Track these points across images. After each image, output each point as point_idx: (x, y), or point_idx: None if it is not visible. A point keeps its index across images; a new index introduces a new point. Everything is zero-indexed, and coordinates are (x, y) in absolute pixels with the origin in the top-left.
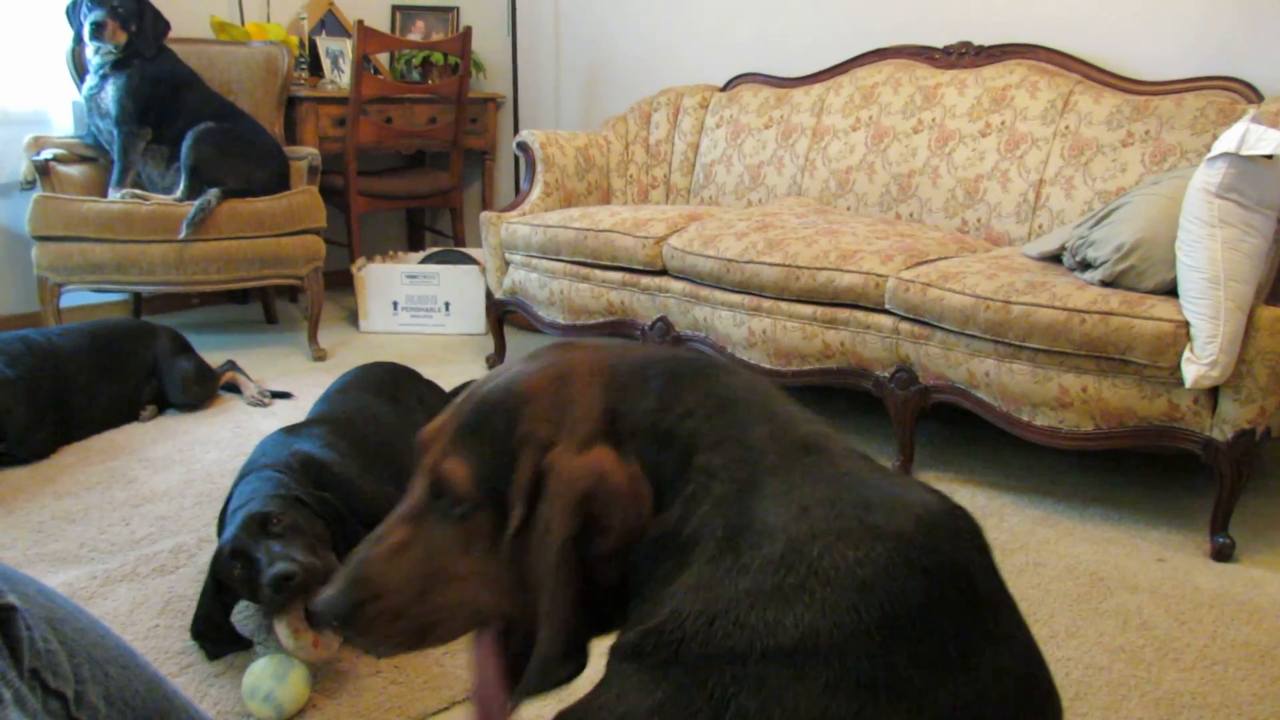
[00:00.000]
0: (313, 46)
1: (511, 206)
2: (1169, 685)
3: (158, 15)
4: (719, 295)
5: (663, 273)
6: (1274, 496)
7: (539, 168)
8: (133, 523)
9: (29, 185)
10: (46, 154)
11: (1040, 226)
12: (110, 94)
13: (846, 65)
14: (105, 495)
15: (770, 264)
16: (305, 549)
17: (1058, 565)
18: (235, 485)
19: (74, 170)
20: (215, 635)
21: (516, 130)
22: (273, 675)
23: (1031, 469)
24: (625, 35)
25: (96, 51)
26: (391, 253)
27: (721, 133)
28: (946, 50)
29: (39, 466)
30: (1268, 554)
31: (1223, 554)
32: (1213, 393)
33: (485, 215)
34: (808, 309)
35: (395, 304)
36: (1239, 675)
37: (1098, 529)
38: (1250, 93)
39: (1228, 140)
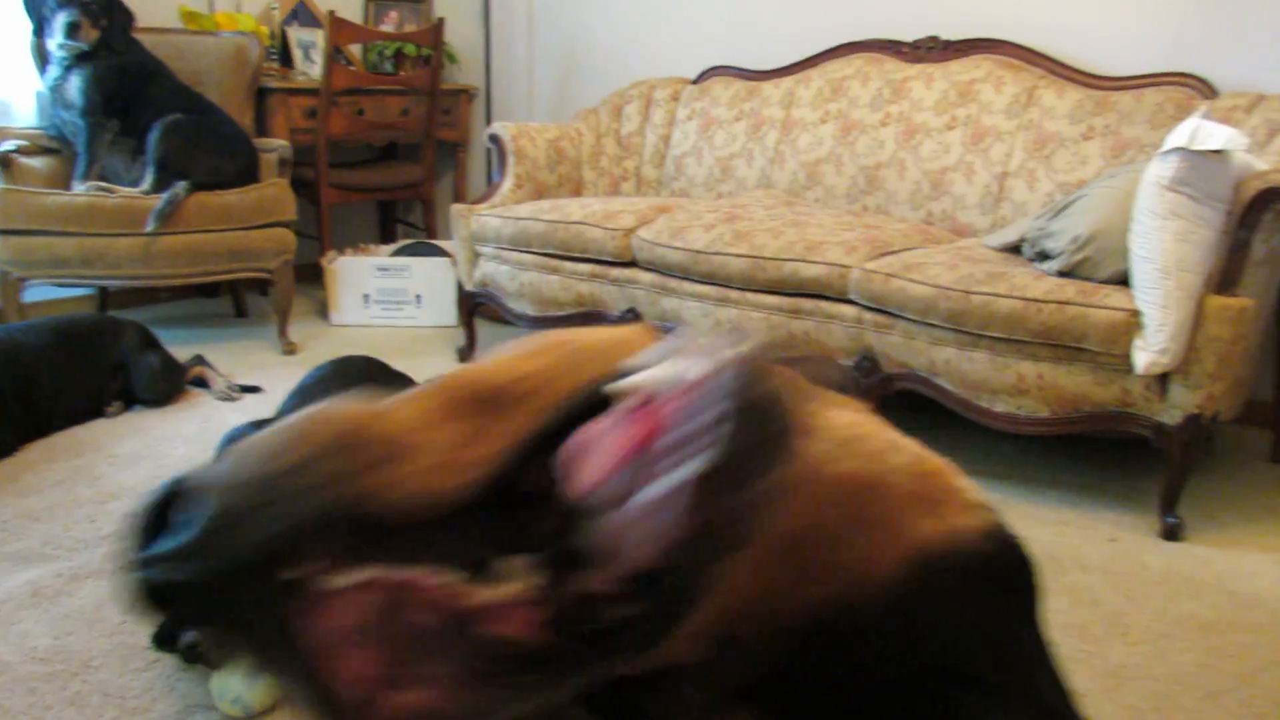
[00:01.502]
0: (284, 37)
1: (483, 199)
2: (1116, 658)
3: (124, 8)
4: (687, 286)
5: (632, 264)
6: (1221, 478)
7: (510, 160)
8: (99, 520)
9: None
10: (8, 145)
11: (1004, 218)
12: (75, 85)
13: (816, 59)
14: (70, 492)
15: (737, 255)
16: None
17: None
18: None
19: (37, 162)
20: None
21: (489, 122)
22: (241, 679)
23: (990, 454)
24: (598, 27)
25: (61, 46)
26: (362, 245)
27: (692, 125)
28: (914, 45)
29: (2, 464)
30: (1214, 533)
31: (1172, 534)
32: (1163, 379)
33: (456, 208)
34: (774, 299)
35: (366, 297)
36: (1183, 648)
37: (1053, 511)
38: (1206, 89)
39: (1179, 136)
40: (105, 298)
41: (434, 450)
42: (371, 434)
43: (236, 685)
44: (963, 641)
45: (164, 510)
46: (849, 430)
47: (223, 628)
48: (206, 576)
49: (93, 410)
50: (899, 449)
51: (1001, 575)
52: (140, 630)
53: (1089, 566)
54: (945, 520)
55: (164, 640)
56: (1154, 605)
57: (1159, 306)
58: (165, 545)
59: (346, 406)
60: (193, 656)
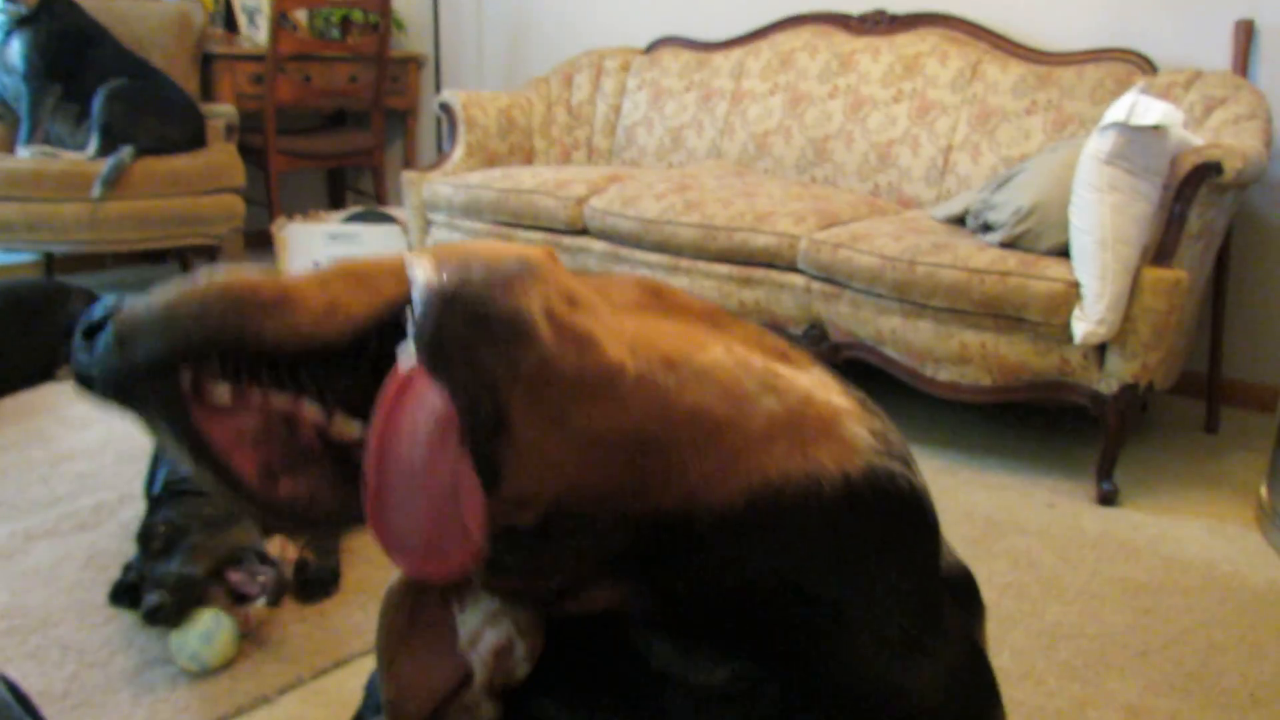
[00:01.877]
0: (228, 2)
1: (434, 166)
2: (1051, 617)
3: None
4: (639, 255)
5: (584, 233)
6: (1156, 447)
7: (461, 128)
8: (52, 481)
9: None
10: None
11: (949, 190)
12: (16, 49)
13: (766, 30)
14: (23, 454)
15: (688, 224)
16: (183, 555)
17: (956, 511)
18: (156, 451)
19: None
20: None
21: (438, 90)
22: (199, 636)
23: (935, 422)
24: None
25: (1, 10)
26: (312, 212)
27: (643, 95)
28: (862, 18)
29: None
30: (1148, 500)
31: (1107, 499)
32: (1100, 349)
33: (407, 175)
34: (724, 268)
35: (317, 264)
36: (1115, 608)
37: (994, 477)
38: (1146, 65)
39: (1117, 110)
40: (51, 263)
41: (317, 301)
42: (264, 284)
43: (194, 643)
44: (813, 572)
45: (101, 326)
46: (717, 367)
47: (138, 417)
48: (110, 374)
49: (43, 374)
50: (778, 391)
51: (872, 514)
52: (97, 588)
53: (1027, 530)
54: (809, 459)
55: (120, 597)
56: (1089, 567)
57: (1096, 278)
58: (90, 346)
59: (247, 270)
60: (154, 618)
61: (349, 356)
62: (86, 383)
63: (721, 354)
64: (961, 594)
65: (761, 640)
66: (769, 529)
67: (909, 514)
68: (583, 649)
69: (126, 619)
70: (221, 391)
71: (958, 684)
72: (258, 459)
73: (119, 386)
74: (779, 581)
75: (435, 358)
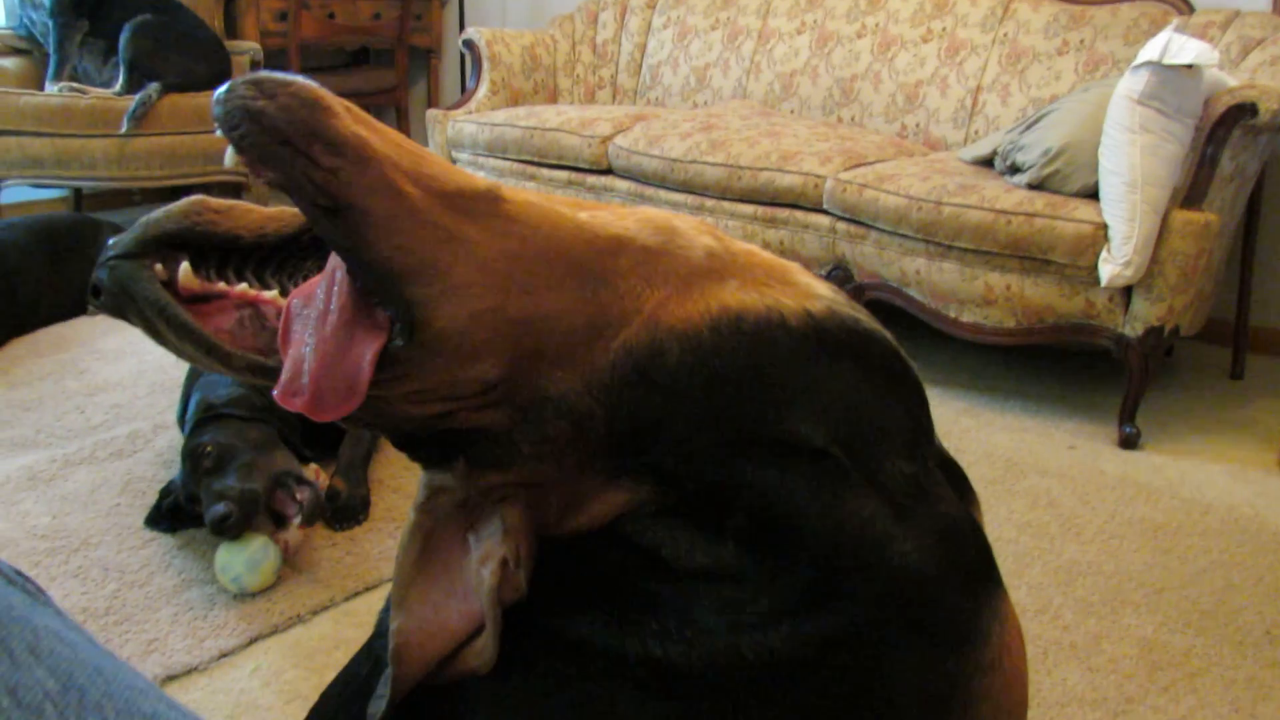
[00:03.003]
0: None
1: (458, 105)
2: (1069, 555)
3: None
4: (663, 194)
5: (608, 172)
6: (1180, 392)
7: (485, 66)
8: (87, 410)
9: None
10: None
11: (976, 132)
12: None
13: None
14: (59, 385)
15: (713, 164)
16: (240, 472)
17: (976, 451)
18: (188, 381)
19: (8, 63)
20: (167, 529)
21: (462, 27)
22: (246, 561)
23: (957, 364)
24: None
25: None
26: None
27: (668, 34)
28: None
29: None
30: (1170, 443)
31: (1129, 442)
32: (1126, 292)
33: (432, 113)
34: (749, 208)
35: None
36: (1133, 548)
37: (1015, 419)
38: (1182, 4)
39: (1151, 49)
40: (80, 200)
41: (261, 211)
42: (216, 200)
43: (239, 566)
44: (792, 414)
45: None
46: (637, 212)
47: (130, 317)
48: (106, 279)
49: (75, 307)
50: (716, 236)
51: (844, 353)
52: (134, 512)
53: (1047, 471)
54: (765, 295)
55: (158, 521)
56: (1107, 508)
57: (1125, 220)
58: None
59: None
60: (220, 528)
61: (301, 255)
62: (96, 294)
63: (646, 208)
64: (954, 478)
65: (750, 507)
66: (738, 359)
67: (885, 361)
68: (570, 550)
69: (163, 542)
70: (188, 273)
71: (951, 550)
72: (234, 347)
73: (113, 290)
74: (758, 428)
75: (245, 147)
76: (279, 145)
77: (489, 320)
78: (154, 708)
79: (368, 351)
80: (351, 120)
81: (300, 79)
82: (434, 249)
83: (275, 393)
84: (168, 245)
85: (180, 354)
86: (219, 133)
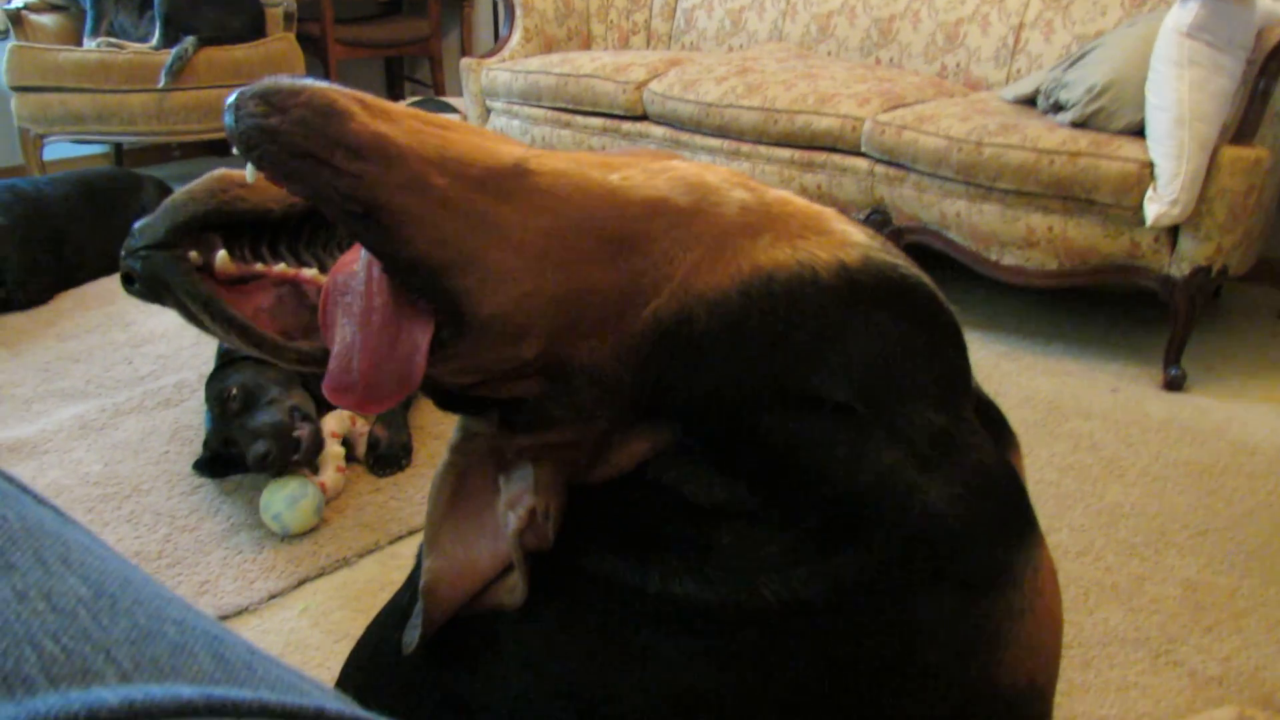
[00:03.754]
0: None
1: (491, 53)
2: (1112, 498)
3: None
4: (699, 140)
5: (643, 118)
6: (1227, 333)
7: (518, 12)
8: (135, 361)
9: (2, 35)
10: (18, 2)
11: (1018, 71)
12: None
13: None
14: (106, 337)
15: (749, 108)
16: (269, 407)
17: (1017, 396)
18: None
19: (47, 19)
20: (213, 475)
21: None
22: (284, 500)
23: (998, 307)
24: None
25: None
26: None
27: None
28: None
29: (38, 311)
30: (1216, 385)
31: (1174, 384)
32: (1173, 231)
33: (465, 62)
34: (786, 152)
35: None
36: (1177, 490)
37: (1058, 363)
38: None
39: None
40: (120, 155)
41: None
42: (237, 174)
43: (279, 504)
44: (812, 367)
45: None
46: (668, 169)
47: (166, 303)
48: (137, 268)
49: (118, 261)
50: (748, 188)
51: (877, 304)
52: (183, 459)
53: (1090, 414)
54: (798, 249)
55: (203, 467)
56: (1152, 450)
57: (1172, 157)
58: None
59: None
60: (262, 464)
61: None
62: (130, 283)
63: (677, 163)
64: (992, 422)
65: (765, 453)
66: (766, 322)
67: (922, 308)
68: (594, 492)
69: (211, 487)
70: (225, 260)
71: (981, 498)
72: (275, 328)
73: (149, 281)
74: (781, 385)
75: (265, 166)
76: (300, 160)
77: (530, 303)
78: (182, 615)
79: (421, 342)
80: (369, 117)
81: (309, 83)
82: (470, 238)
83: (325, 389)
84: (198, 229)
85: (223, 340)
86: (235, 151)
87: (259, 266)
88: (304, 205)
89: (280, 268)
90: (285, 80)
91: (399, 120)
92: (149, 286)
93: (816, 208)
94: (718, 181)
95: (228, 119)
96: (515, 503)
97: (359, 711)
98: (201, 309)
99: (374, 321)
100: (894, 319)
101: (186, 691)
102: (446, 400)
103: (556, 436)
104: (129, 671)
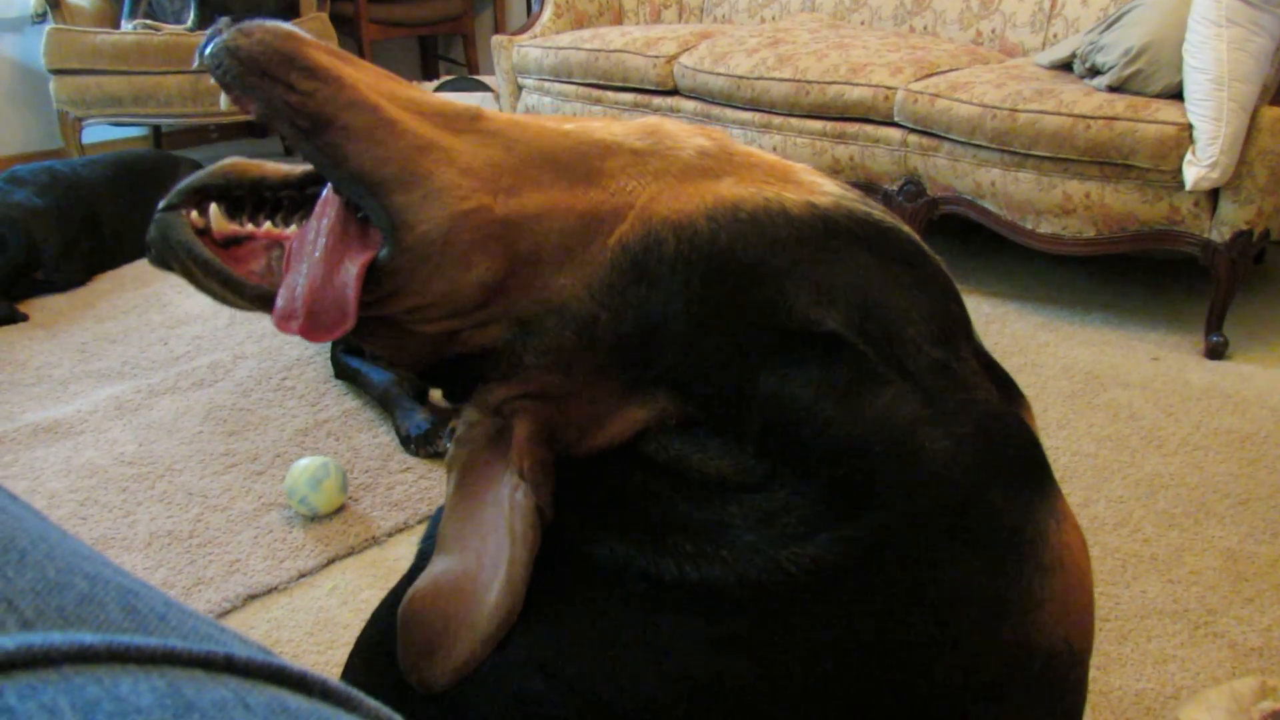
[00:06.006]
0: None
1: (523, 30)
2: (1151, 468)
3: None
4: (730, 114)
5: (674, 92)
6: (1270, 298)
7: None
8: (170, 342)
9: (39, 18)
10: None
11: (1055, 36)
12: None
13: None
14: (142, 318)
15: (780, 79)
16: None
17: (1055, 366)
18: None
19: (85, 2)
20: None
21: None
22: (307, 482)
23: (1035, 277)
24: None
25: None
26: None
27: None
28: None
29: (76, 293)
30: (1260, 351)
31: (1216, 352)
32: (1213, 195)
33: (496, 39)
34: (818, 124)
35: None
36: (1218, 459)
37: (1096, 332)
38: None
39: None
40: (159, 138)
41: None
42: (250, 161)
43: (303, 487)
44: (794, 296)
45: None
46: (635, 121)
47: (173, 266)
48: (153, 229)
49: None
50: (710, 136)
51: (855, 244)
52: (216, 440)
53: (1130, 384)
54: (764, 190)
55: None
56: (1192, 419)
57: (1211, 119)
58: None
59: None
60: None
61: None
62: (148, 252)
63: (640, 118)
64: (1000, 382)
65: (765, 411)
66: (737, 247)
67: (905, 252)
68: (599, 476)
69: (243, 468)
70: (218, 216)
71: (991, 441)
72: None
73: (157, 241)
74: (765, 320)
75: (228, 82)
76: (258, 77)
77: (474, 221)
78: (96, 570)
79: (354, 267)
80: (329, 53)
81: (280, 23)
82: (414, 157)
83: (272, 318)
84: (203, 196)
85: (212, 294)
86: (211, 80)
87: (250, 227)
88: (300, 175)
89: (267, 227)
90: (266, 21)
91: (362, 66)
92: (158, 249)
93: (785, 161)
94: (676, 129)
95: (201, 46)
96: (519, 485)
97: (271, 658)
98: (188, 257)
99: (317, 250)
100: (876, 258)
101: (88, 638)
102: (430, 372)
103: (533, 385)
104: (31, 620)
